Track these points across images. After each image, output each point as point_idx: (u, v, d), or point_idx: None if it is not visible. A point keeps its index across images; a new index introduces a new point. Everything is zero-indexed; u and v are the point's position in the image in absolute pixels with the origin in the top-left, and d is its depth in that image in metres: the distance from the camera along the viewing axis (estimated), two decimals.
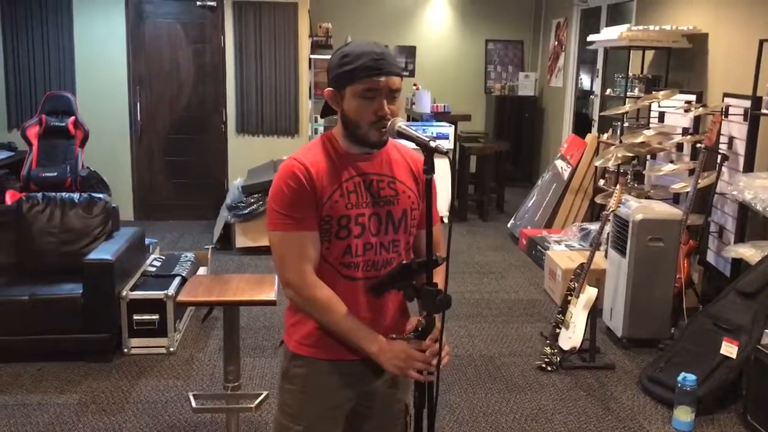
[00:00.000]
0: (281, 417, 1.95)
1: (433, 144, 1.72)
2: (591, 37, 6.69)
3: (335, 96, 1.83)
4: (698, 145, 5.01)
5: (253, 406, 2.89)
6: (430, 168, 1.75)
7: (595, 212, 6.76)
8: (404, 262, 1.85)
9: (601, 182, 6.49)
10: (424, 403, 1.85)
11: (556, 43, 9.32)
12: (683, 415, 3.45)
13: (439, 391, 1.82)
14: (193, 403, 2.97)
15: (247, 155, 7.41)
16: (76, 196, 4.53)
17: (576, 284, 4.23)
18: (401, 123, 1.80)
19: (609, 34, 6.23)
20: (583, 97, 8.95)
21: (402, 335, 1.83)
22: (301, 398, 1.93)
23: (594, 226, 6.04)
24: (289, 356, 1.94)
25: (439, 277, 1.81)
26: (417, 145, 1.75)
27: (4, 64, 7.06)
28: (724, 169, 4.85)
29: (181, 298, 2.84)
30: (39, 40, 7.04)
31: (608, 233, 4.74)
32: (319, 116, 8.10)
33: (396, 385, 2.01)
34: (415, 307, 1.87)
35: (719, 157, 4.81)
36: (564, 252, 5.64)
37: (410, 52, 9.98)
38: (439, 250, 1.96)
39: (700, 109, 5.14)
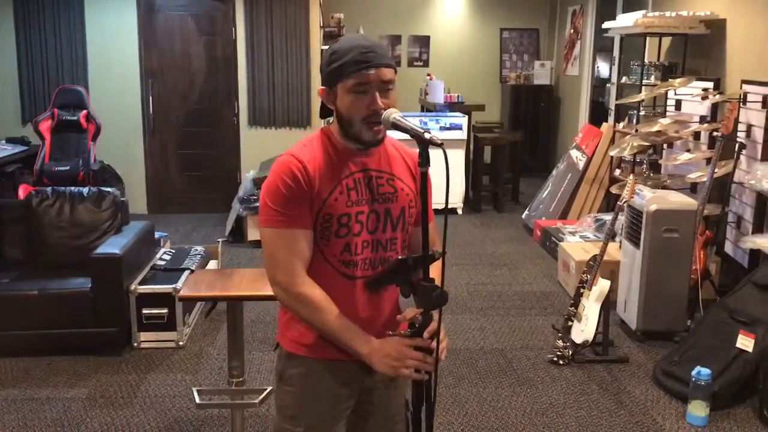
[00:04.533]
0: (281, 420, 1.91)
1: (427, 135, 1.67)
2: (606, 24, 6.58)
3: (328, 94, 1.79)
4: (715, 133, 4.90)
5: (257, 401, 2.86)
6: (424, 160, 1.70)
7: (610, 203, 6.65)
8: (400, 257, 1.80)
9: (617, 172, 6.39)
10: (422, 401, 1.81)
11: (572, 30, 9.19)
12: (698, 409, 3.38)
13: (437, 388, 1.77)
14: (197, 399, 2.95)
15: (259, 148, 7.38)
16: (85, 190, 4.53)
17: (589, 276, 4.16)
18: (396, 114, 1.75)
19: (624, 21, 6.12)
20: (600, 85, 8.82)
21: (398, 332, 1.78)
22: (300, 399, 1.88)
23: (609, 217, 5.94)
24: (284, 356, 1.89)
25: (435, 272, 1.76)
26: (411, 136, 1.70)
27: (17, 59, 7.10)
28: (741, 157, 4.74)
29: (183, 293, 2.82)
30: (51, 35, 7.06)
31: (622, 224, 4.65)
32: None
33: (394, 381, 1.96)
34: (405, 302, 1.83)
35: (737, 145, 4.70)
36: (578, 243, 5.56)
37: (424, 41, 9.90)
38: (435, 245, 1.93)
39: (718, 96, 5.02)
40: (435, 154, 1.65)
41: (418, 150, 1.88)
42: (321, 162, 1.79)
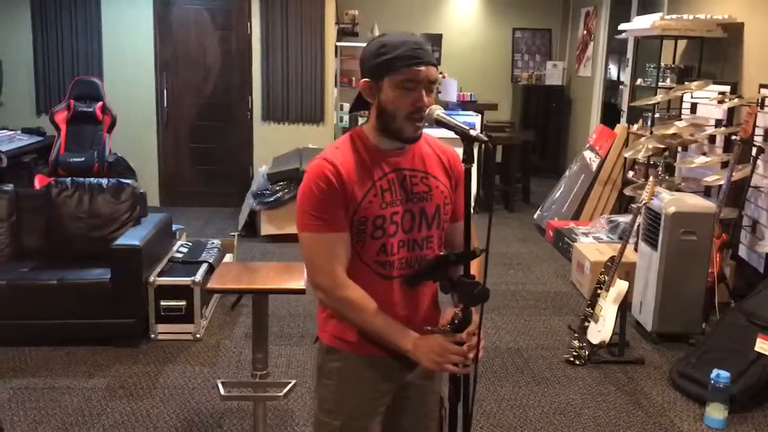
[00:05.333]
0: (320, 413, 1.92)
1: (473, 132, 1.68)
2: (622, 26, 6.58)
3: (371, 87, 1.77)
4: (733, 137, 4.90)
5: (281, 394, 2.87)
6: (469, 157, 1.71)
7: (623, 204, 6.66)
8: (442, 253, 1.81)
9: (630, 174, 6.40)
10: (460, 397, 1.83)
11: (585, 31, 9.19)
12: (716, 412, 3.39)
13: (476, 384, 1.78)
14: (222, 391, 2.96)
15: (272, 143, 7.40)
16: (104, 181, 4.55)
17: (606, 277, 4.17)
18: (439, 111, 1.76)
19: (641, 23, 6.12)
20: (611, 87, 8.82)
21: (438, 328, 1.79)
22: (338, 393, 1.89)
23: (623, 219, 5.96)
24: (324, 350, 1.90)
25: (473, 269, 1.77)
26: (456, 133, 1.71)
27: (33, 50, 7.11)
28: (759, 161, 4.74)
29: (210, 285, 2.83)
30: (67, 27, 7.08)
31: (638, 226, 4.65)
32: (347, 106, 8.07)
33: (431, 377, 1.98)
34: (445, 298, 1.85)
35: (754, 149, 4.71)
36: (592, 244, 5.57)
37: (436, 40, 9.88)
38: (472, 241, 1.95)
39: (736, 100, 5.02)
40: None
41: (453, 147, 1.91)
42: (353, 164, 1.78)
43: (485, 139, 1.67)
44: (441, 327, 1.79)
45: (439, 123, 1.75)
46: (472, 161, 1.72)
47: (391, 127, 1.78)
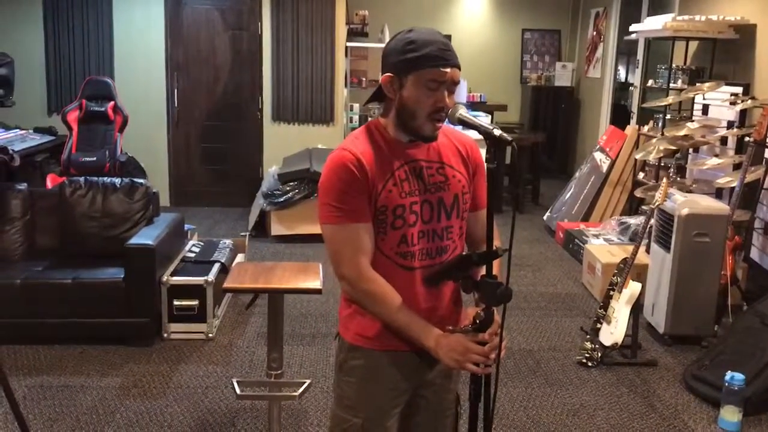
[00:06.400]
0: (339, 410, 1.92)
1: (497, 132, 1.68)
2: (633, 27, 6.57)
3: (393, 82, 1.77)
4: (746, 138, 4.89)
5: (296, 394, 2.88)
6: (493, 157, 1.71)
7: (633, 206, 6.65)
8: (464, 253, 1.81)
9: (641, 175, 6.38)
10: (480, 397, 1.83)
11: (595, 33, 9.17)
12: (730, 415, 3.37)
13: (497, 385, 1.78)
14: (238, 390, 2.96)
15: (282, 143, 7.41)
16: (117, 180, 4.56)
17: (619, 279, 4.16)
18: (462, 110, 1.76)
19: (652, 24, 6.10)
20: (620, 88, 8.80)
21: (460, 327, 1.80)
22: (360, 390, 1.89)
23: (633, 220, 5.94)
24: (347, 348, 1.90)
25: (494, 268, 1.78)
26: (480, 133, 1.71)
27: (45, 50, 7.14)
28: None
29: (227, 284, 2.83)
30: (79, 27, 7.10)
31: (651, 227, 4.64)
32: (357, 106, 8.03)
33: (449, 376, 1.99)
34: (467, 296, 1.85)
35: (767, 151, 4.69)
36: (603, 246, 5.56)
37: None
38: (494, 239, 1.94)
39: (749, 101, 5.01)
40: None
41: (470, 138, 1.92)
42: (373, 154, 1.79)
43: (509, 139, 1.67)
44: (463, 327, 1.79)
45: (462, 123, 1.76)
46: (496, 160, 1.72)
47: (410, 125, 1.79)
